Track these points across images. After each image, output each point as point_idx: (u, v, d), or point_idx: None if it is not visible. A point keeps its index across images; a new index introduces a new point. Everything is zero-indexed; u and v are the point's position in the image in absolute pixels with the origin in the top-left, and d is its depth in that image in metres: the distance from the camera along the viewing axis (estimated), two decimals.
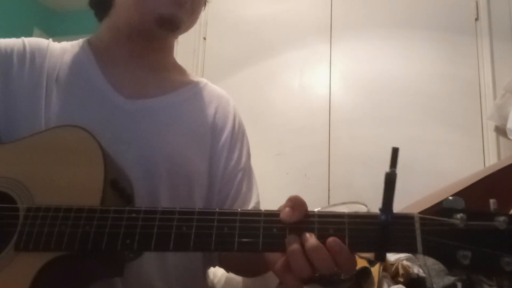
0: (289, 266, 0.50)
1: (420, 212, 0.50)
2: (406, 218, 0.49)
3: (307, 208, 0.52)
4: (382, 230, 0.48)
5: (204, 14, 2.47)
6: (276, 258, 0.52)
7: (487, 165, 1.86)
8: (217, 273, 1.55)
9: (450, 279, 1.33)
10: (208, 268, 0.84)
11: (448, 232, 0.48)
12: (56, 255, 0.52)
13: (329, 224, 0.50)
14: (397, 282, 1.35)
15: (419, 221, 0.49)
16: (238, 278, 1.48)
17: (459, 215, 0.48)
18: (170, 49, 0.86)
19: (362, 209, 1.87)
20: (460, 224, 0.48)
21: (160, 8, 0.74)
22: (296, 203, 0.52)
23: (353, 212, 0.51)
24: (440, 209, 0.49)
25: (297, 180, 2.09)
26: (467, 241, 0.47)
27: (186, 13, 0.76)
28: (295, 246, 0.49)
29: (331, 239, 0.49)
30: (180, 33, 0.82)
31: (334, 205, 1.89)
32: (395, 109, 2.04)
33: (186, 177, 0.74)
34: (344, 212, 0.51)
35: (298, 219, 0.51)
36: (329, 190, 2.04)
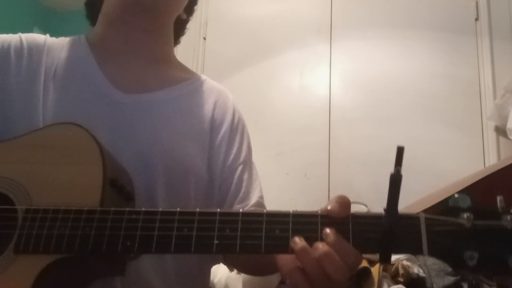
0: (300, 267, 0.49)
1: (424, 211, 0.48)
2: (411, 219, 0.48)
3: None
4: (386, 231, 0.47)
5: (204, 14, 2.47)
6: (286, 263, 0.51)
7: (487, 165, 1.86)
8: (217, 273, 1.54)
9: (450, 279, 1.33)
10: (211, 266, 0.84)
11: (454, 232, 0.46)
12: (56, 258, 0.52)
13: (333, 224, 0.49)
14: (397, 282, 1.35)
15: (424, 222, 0.47)
16: (238, 278, 1.48)
17: (465, 215, 0.46)
18: (167, 40, 0.85)
19: (362, 209, 1.86)
20: (466, 224, 0.46)
21: None
22: (344, 201, 0.51)
23: (357, 212, 0.50)
24: (446, 208, 0.47)
25: (297, 180, 2.09)
26: (474, 241, 0.46)
27: None
28: (302, 244, 0.48)
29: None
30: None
31: None
32: (395, 109, 2.04)
33: (183, 172, 0.74)
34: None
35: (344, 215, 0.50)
36: (329, 190, 2.04)
